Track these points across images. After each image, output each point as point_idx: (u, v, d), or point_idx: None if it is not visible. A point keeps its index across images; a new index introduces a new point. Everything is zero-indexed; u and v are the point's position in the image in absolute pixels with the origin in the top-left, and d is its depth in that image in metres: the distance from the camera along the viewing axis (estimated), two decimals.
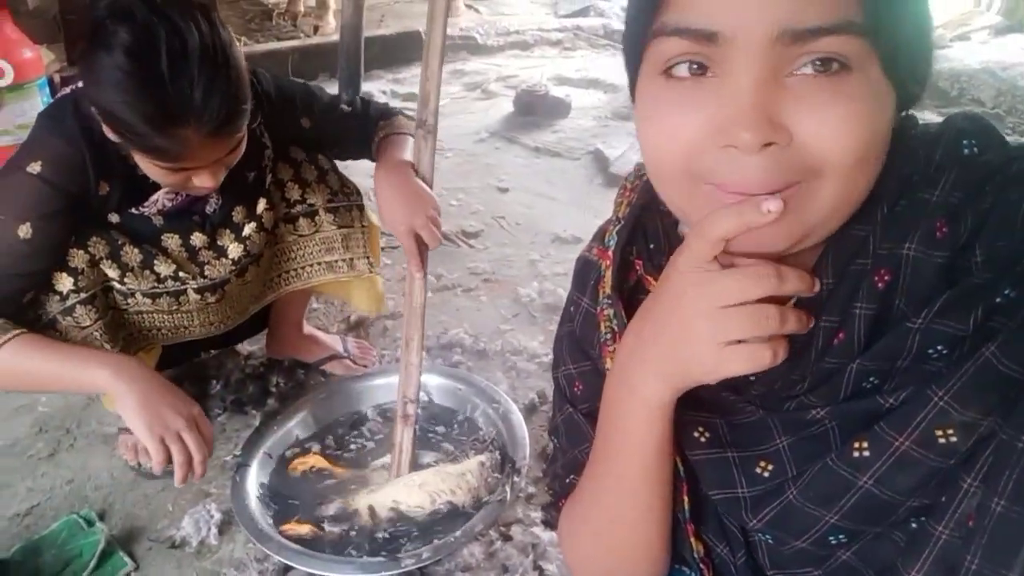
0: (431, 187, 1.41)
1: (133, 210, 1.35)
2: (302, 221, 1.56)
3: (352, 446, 1.60)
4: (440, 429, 1.62)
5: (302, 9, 4.58)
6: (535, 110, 3.45)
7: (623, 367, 0.65)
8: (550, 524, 1.43)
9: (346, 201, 1.60)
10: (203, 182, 1.24)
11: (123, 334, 1.42)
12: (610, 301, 0.72)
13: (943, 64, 3.62)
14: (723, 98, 0.52)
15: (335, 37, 3.68)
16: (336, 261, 1.62)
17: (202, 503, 1.47)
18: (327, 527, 1.38)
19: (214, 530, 1.41)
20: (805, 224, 0.55)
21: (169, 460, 1.27)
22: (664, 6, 0.54)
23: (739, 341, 0.55)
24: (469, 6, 5.04)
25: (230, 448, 1.61)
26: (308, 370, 1.84)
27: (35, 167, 1.24)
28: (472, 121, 3.48)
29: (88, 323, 1.34)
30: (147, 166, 1.23)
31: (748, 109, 0.51)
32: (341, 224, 1.59)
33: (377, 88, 3.81)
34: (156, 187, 1.35)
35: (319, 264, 1.62)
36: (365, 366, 1.84)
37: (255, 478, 1.47)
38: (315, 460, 1.53)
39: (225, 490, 1.48)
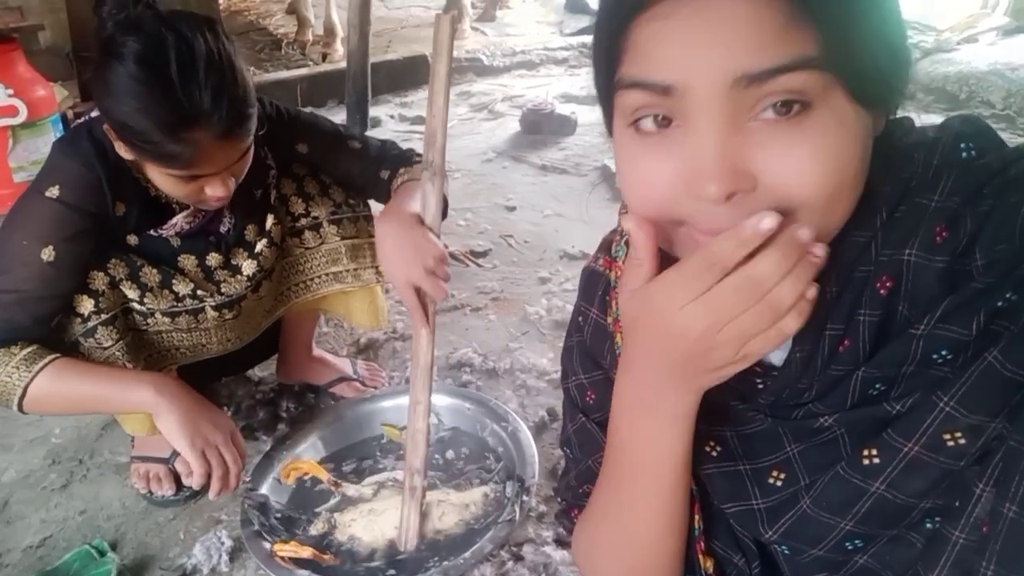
0: (439, 233, 1.30)
1: (152, 232, 1.38)
2: (307, 234, 1.58)
3: (361, 466, 1.59)
4: (449, 454, 1.61)
5: (310, 38, 4.65)
6: (541, 128, 3.47)
7: (629, 389, 0.64)
8: (562, 543, 1.41)
9: (351, 212, 1.61)
10: (215, 191, 1.27)
11: (144, 354, 1.44)
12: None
13: (950, 67, 3.60)
14: (688, 149, 0.53)
15: (343, 64, 3.72)
16: (342, 272, 1.63)
17: (213, 530, 1.47)
18: (328, 552, 1.37)
19: (225, 557, 1.41)
20: None
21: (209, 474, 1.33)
22: (621, 60, 0.55)
23: None
24: (475, 28, 5.09)
25: (241, 475, 1.61)
26: (318, 393, 1.84)
27: (54, 191, 1.27)
28: (479, 141, 3.50)
29: (109, 344, 1.36)
30: (161, 179, 1.25)
31: (711, 161, 0.51)
32: (345, 235, 1.60)
33: (385, 112, 3.84)
34: (172, 209, 1.38)
35: (326, 275, 1.63)
36: (375, 387, 1.84)
37: (261, 504, 1.47)
38: (308, 466, 1.53)
39: (235, 516, 1.48)
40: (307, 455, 1.60)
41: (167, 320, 1.43)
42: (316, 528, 1.43)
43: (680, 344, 0.56)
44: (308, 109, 3.87)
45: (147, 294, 1.39)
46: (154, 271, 1.39)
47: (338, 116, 3.75)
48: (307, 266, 1.62)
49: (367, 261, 1.65)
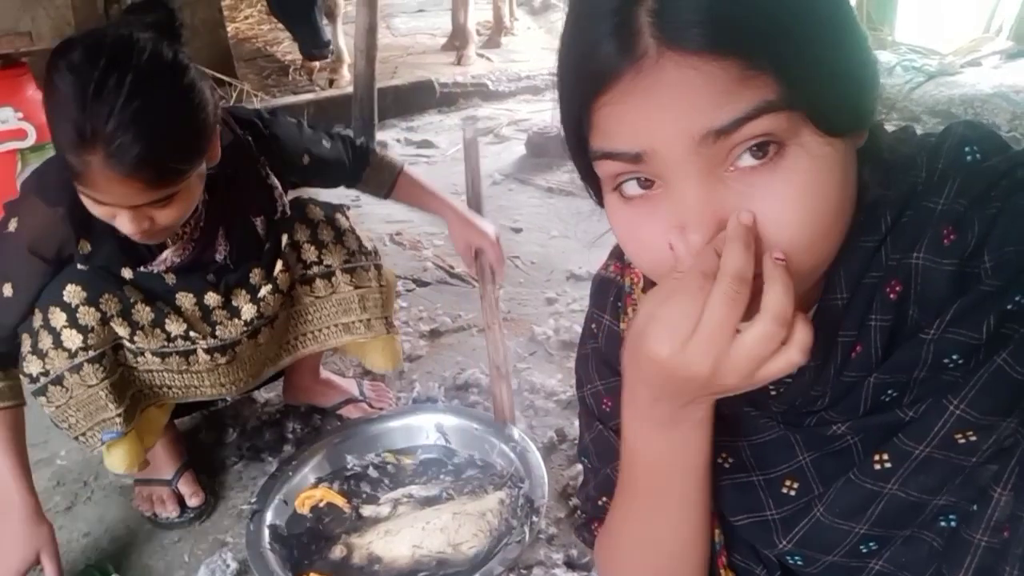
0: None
1: (142, 268, 1.36)
2: (319, 282, 1.55)
3: (367, 487, 1.57)
4: (466, 472, 1.59)
5: (317, 64, 4.69)
6: (547, 151, 3.47)
7: (638, 413, 0.63)
8: (572, 565, 1.39)
9: (363, 261, 1.58)
10: (121, 225, 1.19)
11: (131, 391, 1.42)
12: None
13: (955, 90, 3.61)
14: (671, 206, 0.54)
15: (350, 89, 3.75)
16: (353, 322, 1.60)
17: (218, 552, 1.45)
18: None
19: None
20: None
21: None
22: (590, 135, 0.56)
23: None
24: (481, 55, 5.13)
25: (246, 496, 1.59)
26: (324, 415, 1.83)
27: (12, 225, 1.28)
28: (485, 164, 3.49)
29: (95, 382, 1.33)
30: (81, 195, 1.20)
31: (693, 215, 0.52)
32: (358, 285, 1.57)
33: (392, 136, 3.87)
34: (155, 245, 1.35)
35: (336, 326, 1.60)
36: (382, 408, 1.82)
37: (269, 526, 1.45)
38: (322, 493, 1.52)
39: (241, 539, 1.46)
40: (313, 476, 1.58)
41: (157, 360, 1.40)
42: (335, 554, 1.40)
43: (690, 386, 0.55)
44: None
45: (137, 332, 1.36)
46: (147, 308, 1.36)
47: None
48: (316, 316, 1.59)
49: (378, 311, 1.61)
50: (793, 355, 0.51)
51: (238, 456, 1.72)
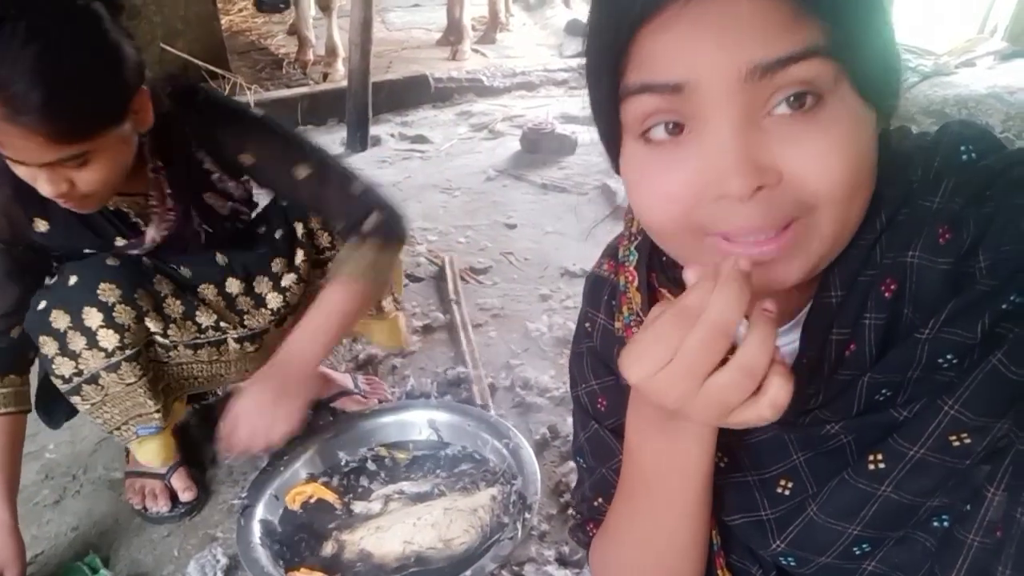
0: None
1: (130, 252, 1.34)
2: (331, 266, 1.54)
3: (360, 483, 1.57)
4: (458, 467, 1.58)
5: (311, 57, 4.66)
6: (541, 148, 3.47)
7: (643, 416, 0.63)
8: (564, 562, 1.39)
9: None
10: (41, 187, 1.12)
11: (162, 385, 1.42)
12: (637, 318, 0.71)
13: (949, 91, 3.62)
14: (705, 151, 0.52)
15: (344, 83, 3.74)
16: None
17: (208, 547, 1.44)
18: (339, 574, 1.34)
19: (220, 575, 1.38)
20: (812, 257, 0.54)
21: None
22: (626, 70, 0.54)
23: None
24: (476, 50, 5.12)
25: (236, 491, 1.58)
26: (318, 408, 1.82)
27: None
28: (480, 160, 3.50)
29: (133, 380, 1.34)
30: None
31: (732, 156, 0.50)
32: None
33: (385, 131, 3.85)
34: (116, 219, 1.31)
35: None
36: (380, 401, 1.82)
37: (260, 521, 1.44)
38: (313, 489, 1.51)
39: (232, 534, 1.45)
40: (304, 471, 1.58)
41: (189, 352, 1.41)
42: (325, 550, 1.40)
43: (664, 409, 0.54)
44: (307, 127, 3.91)
45: (171, 326, 1.37)
46: (177, 302, 1.37)
47: (339, 134, 3.76)
48: None
49: (386, 290, 1.62)
50: (763, 410, 0.49)
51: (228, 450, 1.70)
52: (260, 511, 1.45)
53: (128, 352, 1.32)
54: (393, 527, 1.39)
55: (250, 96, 3.77)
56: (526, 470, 1.47)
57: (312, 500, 1.50)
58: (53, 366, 1.31)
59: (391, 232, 1.38)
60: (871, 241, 0.58)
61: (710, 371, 0.49)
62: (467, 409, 1.70)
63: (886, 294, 0.57)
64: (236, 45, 5.04)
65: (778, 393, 0.49)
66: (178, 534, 1.51)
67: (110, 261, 1.32)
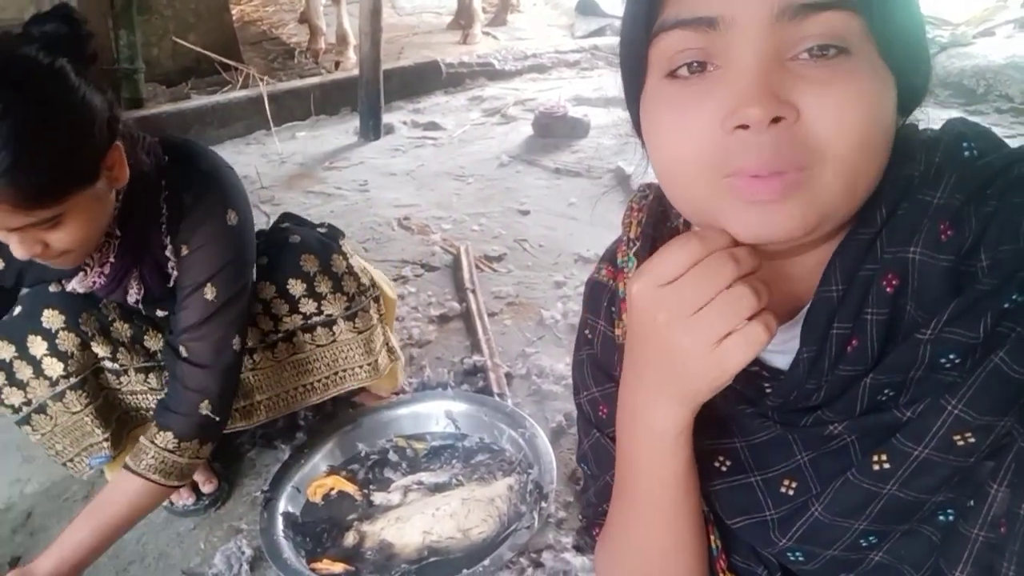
0: None
1: (66, 285, 1.31)
2: (320, 330, 1.52)
3: (380, 474, 1.60)
4: (475, 457, 1.61)
5: (323, 46, 4.67)
6: (554, 132, 3.46)
7: (627, 404, 0.65)
8: (581, 549, 1.41)
9: (363, 302, 1.54)
10: (14, 250, 1.08)
11: (116, 414, 1.43)
12: None
13: (967, 62, 3.56)
14: (729, 82, 0.53)
15: (355, 71, 3.74)
16: (356, 368, 1.59)
17: (233, 539, 1.47)
18: (360, 564, 1.37)
19: (246, 566, 1.42)
20: (817, 208, 0.54)
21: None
22: (662, 5, 0.55)
23: (727, 334, 0.54)
24: (487, 33, 5.10)
25: (259, 484, 1.61)
26: (337, 402, 1.84)
27: None
28: (492, 146, 3.50)
29: (79, 408, 1.34)
30: None
31: (754, 85, 0.52)
32: (361, 329, 1.55)
33: (398, 119, 3.86)
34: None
35: (341, 372, 1.58)
36: (397, 394, 1.84)
37: (283, 514, 1.47)
38: (333, 482, 1.54)
39: (255, 526, 1.48)
40: (324, 463, 1.61)
41: (140, 377, 1.40)
42: (347, 540, 1.43)
43: (675, 364, 0.56)
44: (320, 118, 3.90)
45: (119, 349, 1.35)
46: (125, 325, 1.36)
47: (352, 123, 3.77)
48: (316, 366, 1.56)
49: (381, 344, 1.60)
50: (755, 329, 0.53)
51: (251, 444, 1.74)
52: (282, 504, 1.49)
53: (73, 380, 1.32)
54: (412, 518, 1.42)
55: (263, 87, 3.78)
56: (542, 459, 1.49)
57: (333, 492, 1.53)
58: (2, 396, 1.32)
59: (209, 433, 1.30)
60: (872, 234, 0.58)
61: (702, 305, 0.53)
62: (483, 399, 1.72)
63: (888, 289, 0.57)
64: (247, 35, 5.05)
65: (766, 316, 0.53)
66: (203, 527, 1.54)
67: (53, 288, 1.31)
